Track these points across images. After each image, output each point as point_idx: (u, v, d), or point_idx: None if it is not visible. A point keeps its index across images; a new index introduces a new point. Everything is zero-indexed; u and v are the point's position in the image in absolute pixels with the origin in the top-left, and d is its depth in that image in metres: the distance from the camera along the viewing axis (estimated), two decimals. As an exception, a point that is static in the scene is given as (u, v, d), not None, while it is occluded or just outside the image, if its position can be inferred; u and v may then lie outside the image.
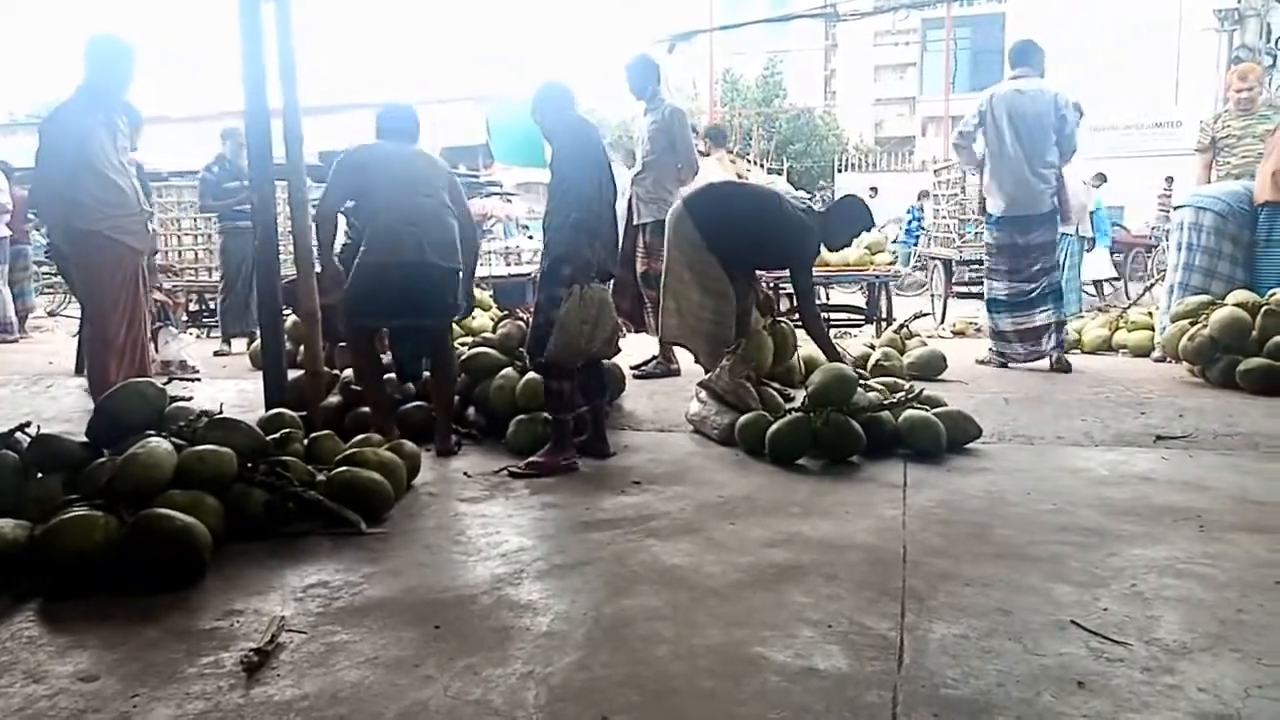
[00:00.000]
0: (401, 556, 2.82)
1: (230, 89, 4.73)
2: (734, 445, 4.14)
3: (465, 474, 3.82)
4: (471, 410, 4.62)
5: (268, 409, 4.19)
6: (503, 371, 4.48)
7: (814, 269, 7.73)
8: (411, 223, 4.05)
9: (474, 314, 6.29)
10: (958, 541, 2.86)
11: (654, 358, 5.84)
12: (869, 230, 4.95)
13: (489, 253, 15.92)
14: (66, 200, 4.22)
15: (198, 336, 9.04)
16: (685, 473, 3.79)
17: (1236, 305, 5.23)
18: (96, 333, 4.46)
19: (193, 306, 9.50)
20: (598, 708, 1.88)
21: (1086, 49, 27.23)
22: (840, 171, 24.74)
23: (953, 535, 2.92)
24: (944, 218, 10.57)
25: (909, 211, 16.90)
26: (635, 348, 6.92)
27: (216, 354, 7.43)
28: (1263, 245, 5.71)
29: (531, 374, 4.24)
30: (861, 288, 9.26)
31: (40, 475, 3.15)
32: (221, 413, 3.49)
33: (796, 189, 12.29)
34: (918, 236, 15.75)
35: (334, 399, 4.58)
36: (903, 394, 4.23)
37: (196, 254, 9.30)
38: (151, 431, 3.17)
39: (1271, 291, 5.34)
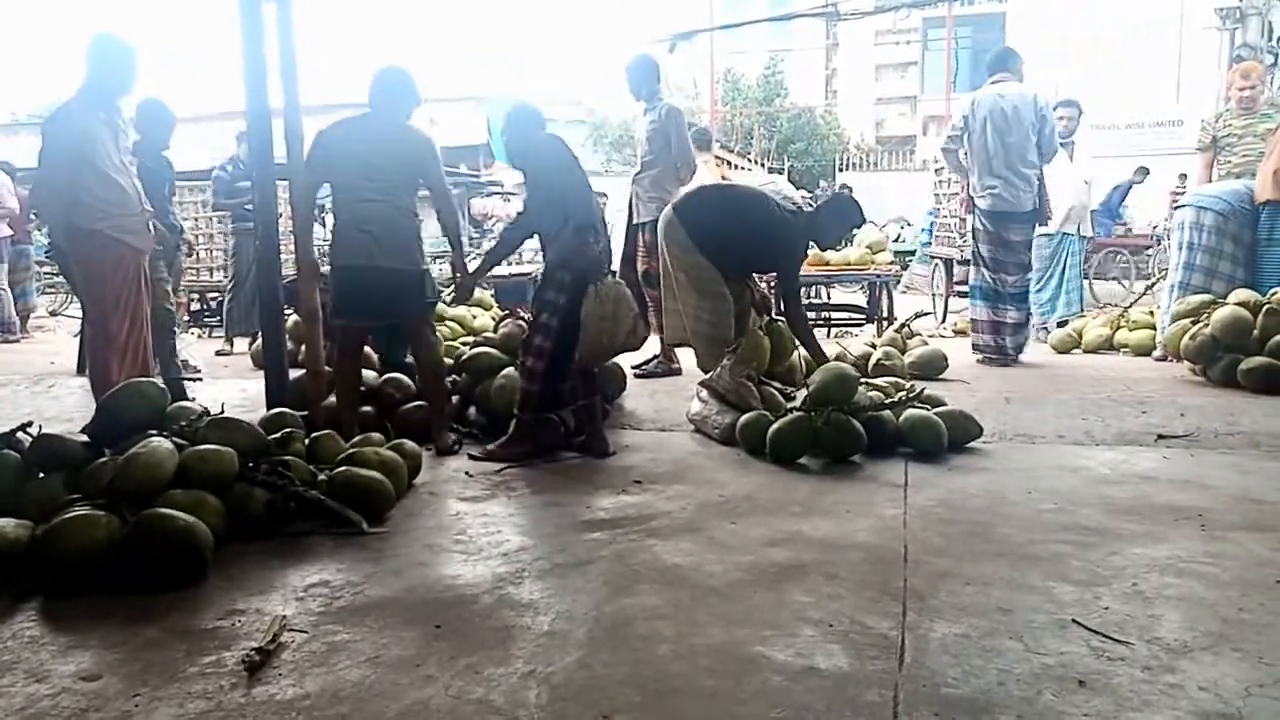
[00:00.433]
0: (403, 556, 2.82)
1: (232, 89, 4.74)
2: (735, 444, 4.14)
3: (466, 474, 3.82)
4: (472, 410, 4.63)
5: (269, 408, 4.20)
6: (504, 371, 4.49)
7: (815, 269, 7.83)
8: (361, 227, 4.08)
9: (474, 313, 6.31)
10: (959, 540, 2.86)
11: (655, 357, 5.84)
12: (860, 227, 4.95)
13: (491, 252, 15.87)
14: (68, 200, 4.22)
15: (199, 336, 9.05)
16: (686, 472, 3.79)
17: (1238, 304, 5.23)
18: (98, 332, 4.46)
19: (194, 306, 9.51)
20: (599, 707, 1.88)
21: (1087, 47, 27.21)
22: (841, 171, 24.72)
23: (954, 534, 2.92)
24: (945, 217, 10.56)
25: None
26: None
27: (219, 354, 7.43)
28: (1264, 244, 5.70)
29: None
30: (862, 287, 9.27)
31: (42, 475, 3.15)
32: (223, 412, 3.50)
33: (798, 188, 12.28)
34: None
35: (334, 398, 4.58)
36: (904, 393, 4.23)
37: (198, 254, 9.31)
38: (153, 431, 3.17)
39: (1272, 290, 5.33)
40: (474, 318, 6.18)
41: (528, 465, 3.94)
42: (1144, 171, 13.43)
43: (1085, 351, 6.82)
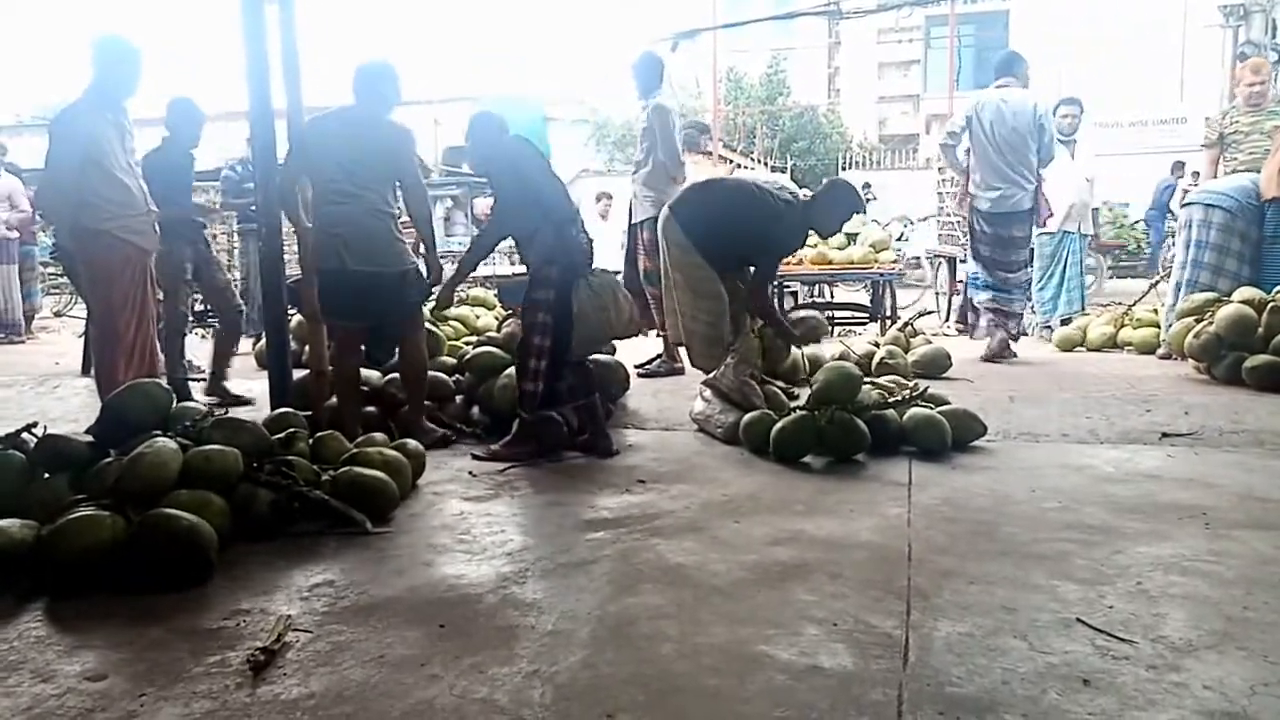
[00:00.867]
0: (406, 556, 2.83)
1: (234, 89, 4.75)
2: (738, 444, 4.15)
3: (470, 473, 3.83)
4: (475, 409, 4.63)
5: (273, 409, 4.21)
6: (506, 371, 4.49)
7: (818, 267, 7.82)
8: (330, 230, 4.11)
9: (476, 312, 6.31)
10: (963, 539, 2.86)
11: (658, 356, 5.85)
12: (859, 214, 4.89)
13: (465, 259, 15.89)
14: (75, 200, 4.23)
15: (203, 337, 9.06)
16: (689, 471, 3.79)
17: (1242, 302, 5.22)
18: (105, 332, 4.47)
19: (199, 307, 9.51)
20: (603, 706, 1.88)
21: (1090, 45, 27.16)
22: (844, 169, 24.69)
23: (958, 533, 2.92)
24: (948, 215, 10.55)
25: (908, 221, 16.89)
26: (639, 346, 6.93)
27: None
28: (1269, 242, 5.68)
29: None
30: (866, 286, 9.27)
31: (47, 475, 3.16)
32: (227, 412, 3.50)
33: (800, 187, 12.24)
34: None
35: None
36: (907, 392, 4.23)
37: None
38: (158, 431, 3.18)
39: (1277, 288, 5.32)
40: (477, 317, 6.19)
41: (531, 465, 3.95)
42: (1180, 165, 13.47)
43: (1089, 350, 6.81)
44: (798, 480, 3.65)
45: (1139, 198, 16.44)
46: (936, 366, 5.54)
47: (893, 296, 8.28)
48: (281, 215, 4.50)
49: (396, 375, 4.64)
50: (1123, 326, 6.83)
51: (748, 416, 4.13)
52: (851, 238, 7.93)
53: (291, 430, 3.49)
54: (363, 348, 4.46)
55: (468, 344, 5.18)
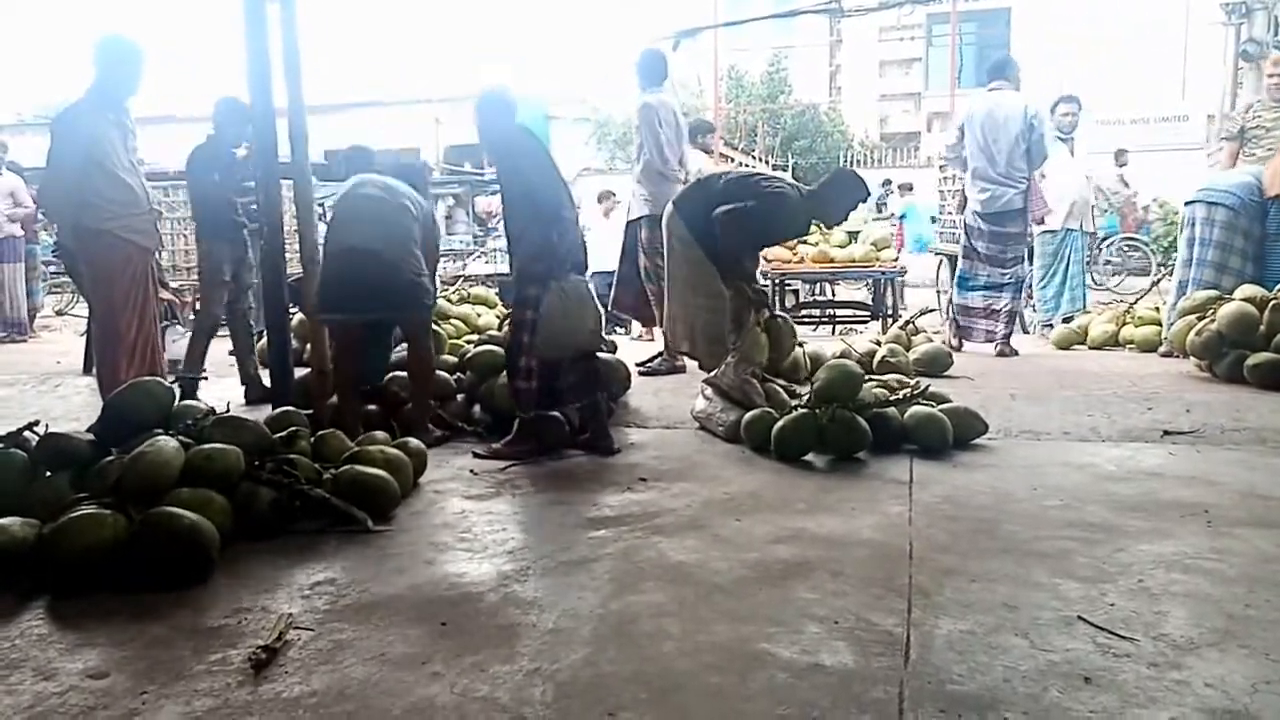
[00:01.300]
0: (408, 554, 2.83)
1: (235, 88, 4.75)
2: (740, 442, 4.14)
3: (471, 472, 3.83)
4: (476, 408, 4.63)
5: (274, 407, 4.21)
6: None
7: (820, 266, 7.81)
8: (355, 213, 4.24)
9: (478, 311, 6.31)
10: (964, 537, 2.86)
11: (659, 354, 5.85)
12: (865, 201, 4.85)
13: (494, 250, 15.95)
14: (77, 200, 4.24)
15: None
16: (691, 469, 3.79)
17: (1244, 300, 5.20)
18: (107, 331, 4.47)
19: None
20: (604, 704, 1.88)
21: (1092, 43, 27.12)
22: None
23: (959, 531, 2.92)
24: (949, 214, 10.53)
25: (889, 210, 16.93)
26: (641, 345, 6.93)
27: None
28: (1273, 239, 5.67)
29: None
30: (867, 284, 9.26)
31: (48, 474, 3.16)
32: (228, 411, 3.50)
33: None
34: None
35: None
36: (908, 390, 4.22)
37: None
38: (159, 430, 3.18)
39: (1280, 286, 5.31)
40: (478, 316, 6.18)
41: (532, 463, 3.95)
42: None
43: (1090, 348, 6.80)
44: (799, 478, 3.64)
45: (1139, 197, 16.38)
46: (938, 365, 5.53)
47: (894, 294, 8.26)
48: (281, 215, 4.51)
49: (399, 374, 4.64)
50: (1124, 324, 6.82)
51: (749, 415, 4.13)
52: (853, 236, 7.93)
53: (293, 429, 3.49)
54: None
55: (469, 343, 5.18)
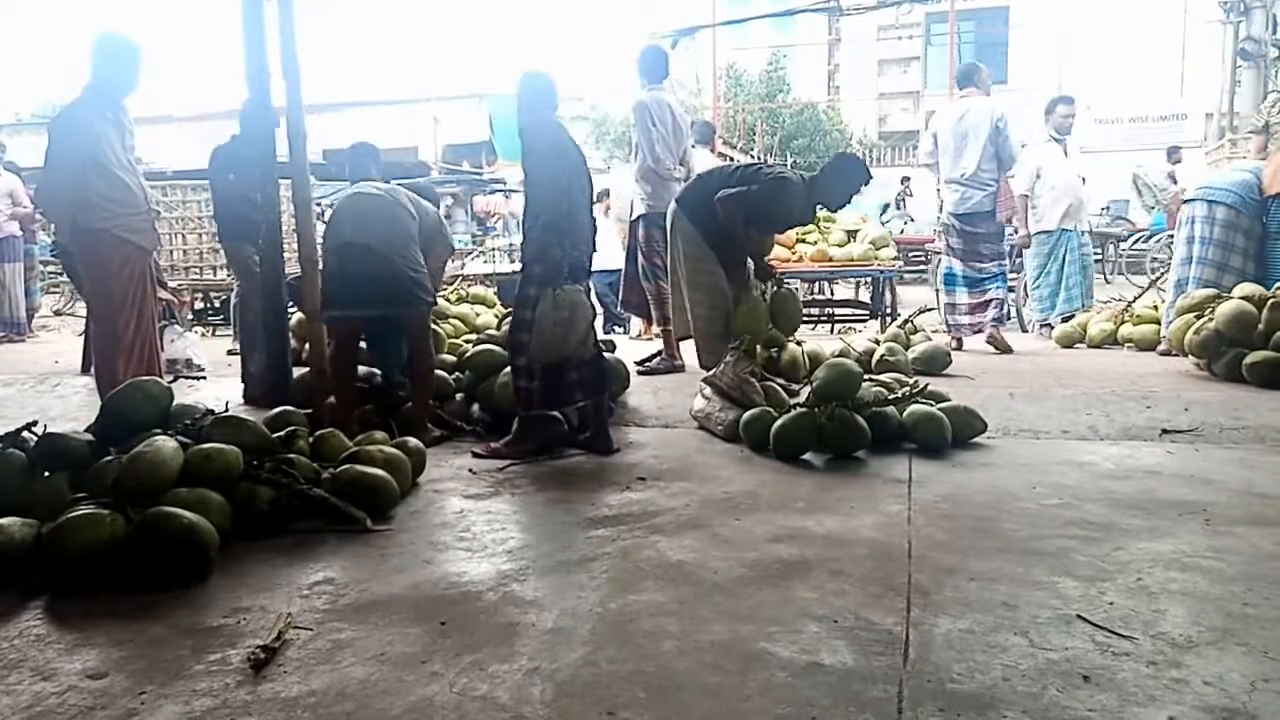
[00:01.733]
0: (407, 553, 2.83)
1: (234, 88, 4.75)
2: (739, 441, 4.15)
3: (470, 471, 3.83)
4: (476, 407, 4.63)
5: (273, 407, 4.20)
6: (507, 368, 4.48)
7: (819, 265, 7.81)
8: (357, 211, 4.26)
9: (476, 310, 6.30)
10: (963, 536, 2.86)
11: (658, 354, 5.86)
12: (867, 185, 4.83)
13: (493, 249, 15.94)
14: (75, 199, 4.22)
15: (203, 335, 9.07)
16: (690, 469, 3.79)
17: (1242, 298, 5.21)
18: (105, 331, 4.47)
19: (198, 305, 9.52)
20: (603, 703, 1.88)
21: (1090, 41, 27.13)
22: (844, 167, 24.62)
23: (958, 530, 2.92)
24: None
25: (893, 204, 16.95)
26: (640, 344, 6.93)
27: (230, 353, 7.43)
28: (1272, 237, 5.67)
29: None
30: (866, 283, 9.26)
31: (47, 474, 3.16)
32: (227, 411, 3.50)
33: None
34: None
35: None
36: (907, 389, 4.23)
37: (202, 253, 9.32)
38: (158, 430, 3.18)
39: (1278, 284, 5.31)
40: (477, 315, 6.18)
41: (531, 463, 3.94)
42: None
43: (1089, 346, 6.81)
44: (798, 477, 3.65)
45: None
46: (936, 363, 5.54)
47: (893, 293, 8.27)
48: (279, 215, 4.51)
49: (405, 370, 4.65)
50: (1123, 323, 6.82)
51: (748, 414, 4.13)
52: (852, 235, 7.93)
53: (292, 428, 3.49)
54: (362, 344, 4.47)
55: (468, 342, 5.18)
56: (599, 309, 5.35)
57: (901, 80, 40.50)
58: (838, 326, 8.32)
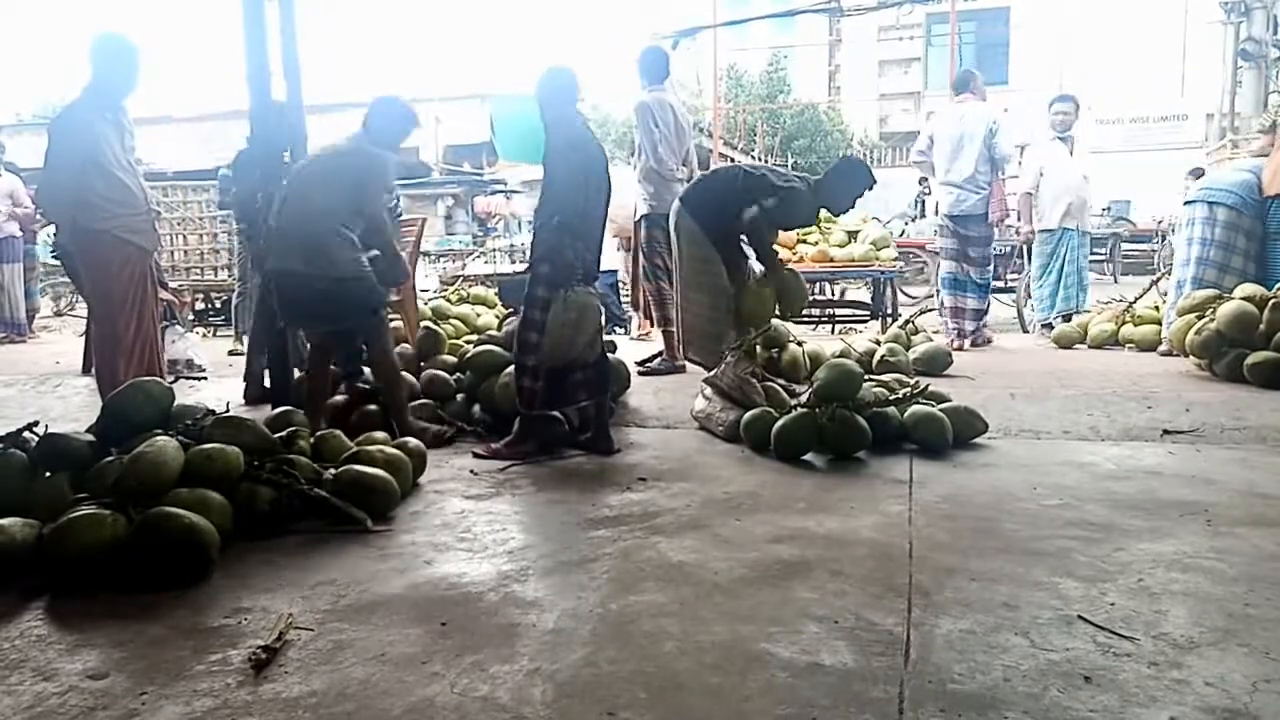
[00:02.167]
0: (408, 554, 2.83)
1: (235, 88, 4.75)
2: (739, 441, 4.15)
3: (471, 471, 3.83)
4: (476, 408, 4.63)
5: (274, 407, 4.21)
6: (507, 369, 4.48)
7: (820, 265, 7.81)
8: (281, 229, 4.06)
9: (477, 310, 6.30)
10: (964, 537, 2.86)
11: (659, 354, 5.86)
12: (870, 189, 4.84)
13: (493, 250, 15.96)
14: (75, 200, 4.23)
15: (204, 335, 9.07)
16: (691, 469, 3.79)
17: (1243, 299, 5.20)
18: (105, 332, 4.47)
19: (199, 305, 9.53)
20: (604, 704, 1.88)
21: (1091, 41, 27.12)
22: (845, 167, 24.62)
23: (959, 530, 2.92)
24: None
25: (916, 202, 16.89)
26: (641, 344, 6.94)
27: (231, 353, 7.44)
28: (1273, 238, 5.66)
29: None
30: (867, 283, 9.25)
31: (48, 474, 3.16)
32: (228, 411, 3.50)
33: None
34: None
35: (340, 397, 4.59)
36: (908, 389, 4.22)
37: (203, 253, 9.33)
38: (159, 430, 3.18)
39: (1279, 285, 5.30)
40: (478, 316, 6.18)
41: (532, 463, 3.94)
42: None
43: (1090, 347, 6.81)
44: (799, 478, 3.65)
45: (1140, 195, 16.42)
46: (937, 364, 5.54)
47: (894, 294, 8.27)
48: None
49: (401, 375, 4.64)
50: (1124, 324, 6.82)
51: (749, 414, 4.13)
52: (853, 235, 7.93)
53: (293, 428, 3.49)
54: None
55: (468, 343, 5.18)
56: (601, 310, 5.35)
57: (902, 81, 40.50)
58: (838, 327, 8.32)
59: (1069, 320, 7.20)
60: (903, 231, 15.80)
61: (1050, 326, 7.38)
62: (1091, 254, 9.17)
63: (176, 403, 3.50)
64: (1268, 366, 4.92)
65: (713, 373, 4.55)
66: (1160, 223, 15.17)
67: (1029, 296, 7.92)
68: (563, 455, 4.09)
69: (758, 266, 4.91)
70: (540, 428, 4.09)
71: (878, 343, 5.81)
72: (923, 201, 17.06)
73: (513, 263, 14.06)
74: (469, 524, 3.13)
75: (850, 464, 3.81)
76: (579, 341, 3.94)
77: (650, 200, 5.72)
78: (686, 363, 5.76)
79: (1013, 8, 32.24)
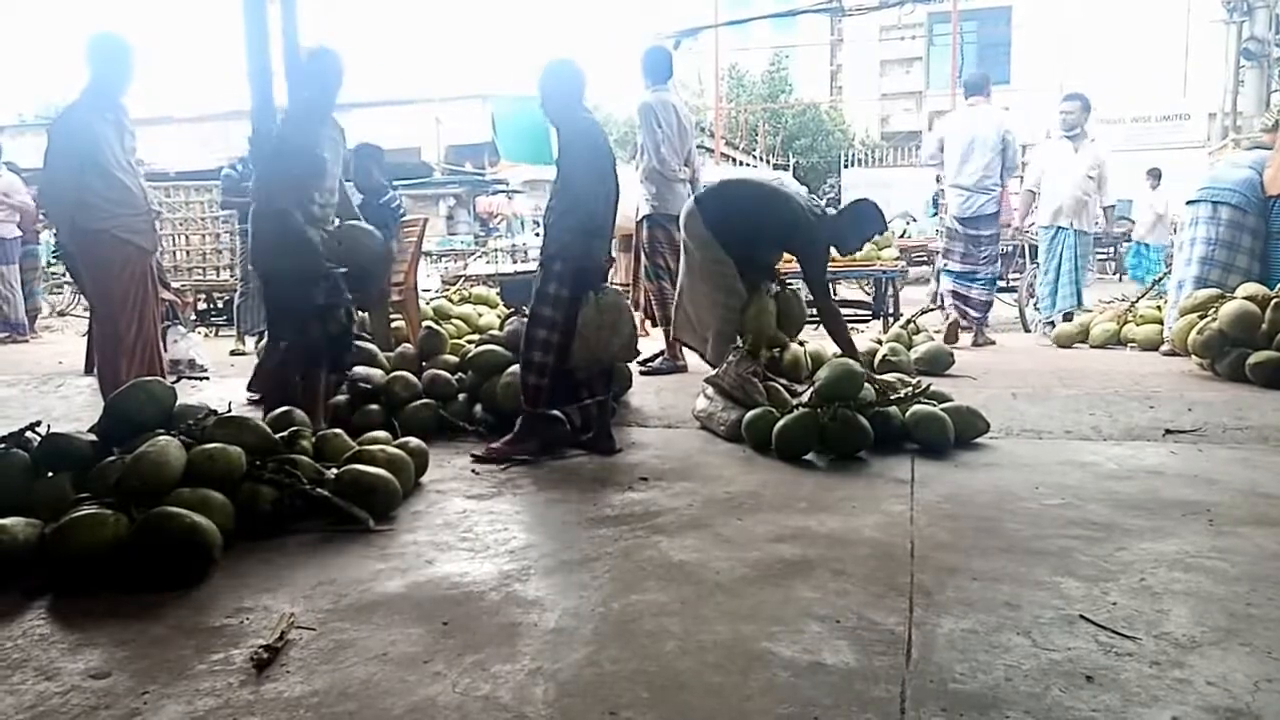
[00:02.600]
0: (409, 553, 2.83)
1: (236, 88, 4.76)
2: (741, 441, 4.14)
3: (473, 471, 3.83)
4: (478, 408, 4.63)
5: (274, 407, 4.20)
6: (509, 369, 4.49)
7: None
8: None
9: (479, 310, 6.30)
10: (966, 536, 2.85)
11: (660, 354, 5.86)
12: (881, 234, 4.99)
13: (495, 250, 15.96)
14: (74, 200, 4.23)
15: (206, 335, 9.08)
16: (692, 469, 3.79)
17: (1246, 298, 5.20)
18: (107, 332, 4.47)
19: (201, 305, 9.54)
20: (606, 703, 1.88)
21: (1093, 41, 27.11)
22: (846, 167, 24.68)
23: (961, 530, 2.92)
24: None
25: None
26: (642, 344, 6.93)
27: (233, 353, 7.44)
28: (1276, 237, 5.66)
29: None
30: (867, 283, 9.26)
31: (50, 474, 3.16)
32: (230, 411, 3.50)
33: (802, 184, 12.25)
34: None
35: (342, 397, 4.59)
36: (910, 389, 4.22)
37: (205, 253, 9.34)
38: (161, 430, 3.18)
39: (1281, 284, 5.30)
40: (479, 315, 6.19)
41: (533, 463, 3.94)
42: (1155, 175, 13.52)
43: (1092, 346, 6.81)
44: (800, 477, 3.64)
45: (1139, 195, 16.38)
46: (939, 363, 5.54)
47: (895, 293, 8.27)
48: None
49: (400, 374, 4.64)
50: (1126, 323, 6.82)
51: (750, 414, 4.13)
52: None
53: (294, 428, 3.49)
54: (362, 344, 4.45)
55: (470, 342, 5.18)
56: None
57: (904, 80, 40.51)
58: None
59: (1070, 320, 7.20)
60: (904, 232, 15.79)
61: (1053, 324, 7.39)
62: (1096, 253, 9.18)
63: (179, 402, 3.50)
64: (1270, 366, 4.91)
65: (714, 372, 4.55)
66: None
67: (1031, 296, 7.92)
68: (564, 455, 4.09)
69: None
70: (543, 427, 4.08)
71: (879, 342, 5.81)
72: (940, 198, 17.00)
73: (514, 262, 14.06)
74: (471, 523, 3.13)
75: (852, 463, 3.81)
76: (615, 344, 3.96)
77: (653, 200, 5.73)
78: (687, 362, 5.77)
79: (1014, 7, 32.27)
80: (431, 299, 6.73)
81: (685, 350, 5.75)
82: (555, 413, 4.12)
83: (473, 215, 19.86)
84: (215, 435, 3.17)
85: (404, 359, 4.96)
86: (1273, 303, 5.10)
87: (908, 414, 4.02)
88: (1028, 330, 8.20)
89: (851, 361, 4.32)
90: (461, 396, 4.70)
